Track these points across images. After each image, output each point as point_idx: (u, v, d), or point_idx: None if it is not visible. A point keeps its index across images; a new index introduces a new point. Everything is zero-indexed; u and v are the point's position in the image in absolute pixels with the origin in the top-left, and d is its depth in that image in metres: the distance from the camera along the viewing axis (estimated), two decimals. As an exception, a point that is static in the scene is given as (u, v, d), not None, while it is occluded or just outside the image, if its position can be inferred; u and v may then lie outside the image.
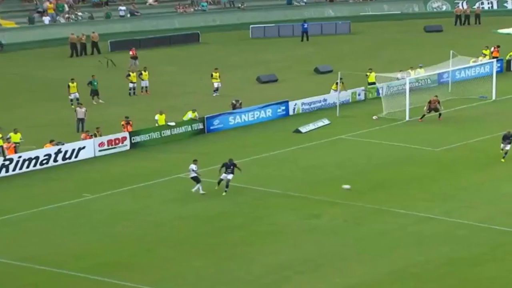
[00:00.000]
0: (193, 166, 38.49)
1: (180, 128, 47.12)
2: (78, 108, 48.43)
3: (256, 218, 35.98)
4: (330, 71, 59.28)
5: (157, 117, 46.98)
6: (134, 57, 61.45)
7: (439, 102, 48.52)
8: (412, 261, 31.54)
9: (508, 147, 41.56)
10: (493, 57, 59.40)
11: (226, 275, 30.70)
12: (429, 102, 48.47)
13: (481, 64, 57.75)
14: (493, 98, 52.25)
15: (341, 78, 51.94)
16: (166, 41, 71.27)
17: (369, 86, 53.89)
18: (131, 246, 33.36)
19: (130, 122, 45.96)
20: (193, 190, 38.42)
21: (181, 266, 31.54)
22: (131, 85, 55.95)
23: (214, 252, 32.64)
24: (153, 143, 45.87)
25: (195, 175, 38.44)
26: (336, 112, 50.47)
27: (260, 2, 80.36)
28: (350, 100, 52.99)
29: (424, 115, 48.27)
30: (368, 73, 54.22)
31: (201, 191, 38.30)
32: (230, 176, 38.21)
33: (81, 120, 47.77)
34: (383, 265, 31.34)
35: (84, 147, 43.95)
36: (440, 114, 48.58)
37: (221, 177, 38.23)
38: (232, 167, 38.26)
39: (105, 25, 73.15)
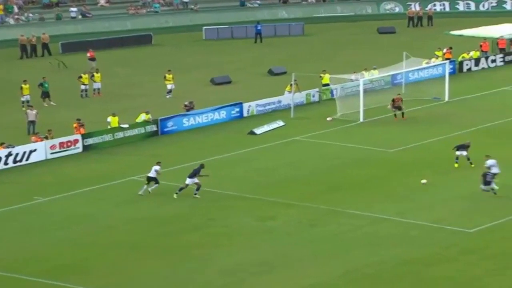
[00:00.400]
0: (156, 167, 38.48)
1: (133, 130, 46.99)
2: (29, 110, 48.07)
3: (210, 220, 36.00)
4: (284, 73, 59.49)
5: (109, 119, 46.80)
6: (92, 59, 61.11)
7: (401, 101, 48.92)
8: (366, 262, 31.76)
9: (465, 153, 41.84)
10: (446, 59, 60.01)
11: (180, 277, 30.70)
12: (393, 100, 48.87)
13: (434, 66, 58.34)
14: (446, 99, 52.82)
15: (295, 80, 52.15)
16: (118, 42, 71.01)
17: (323, 88, 54.19)
18: (84, 249, 33.20)
19: (84, 124, 45.73)
20: (150, 189, 38.34)
21: (135, 268, 31.46)
22: (83, 87, 55.67)
23: (168, 254, 32.60)
24: (106, 146, 45.69)
25: (154, 176, 38.35)
26: (291, 113, 50.67)
27: (213, 3, 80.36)
28: (305, 102, 53.24)
29: (395, 114, 48.58)
30: (322, 75, 54.52)
31: (149, 190, 38.26)
32: (189, 181, 37.87)
33: (32, 123, 47.44)
34: (338, 266, 31.52)
35: (35, 150, 43.65)
36: (403, 113, 49.00)
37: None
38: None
39: (56, 26, 72.75)
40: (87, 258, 32.34)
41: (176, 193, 38.30)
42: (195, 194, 38.29)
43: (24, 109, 50.76)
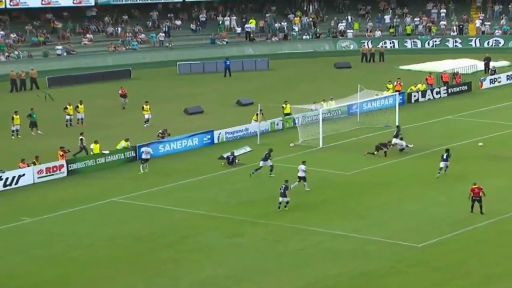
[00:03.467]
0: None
1: (114, 156, 46.51)
2: None
3: (183, 237, 35.54)
4: (251, 103, 59.29)
5: (92, 146, 46.33)
6: (124, 95, 60.17)
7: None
8: (326, 274, 31.48)
9: (442, 164, 42.33)
10: (396, 91, 60.08)
11: (156, 290, 30.21)
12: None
13: (385, 97, 58.39)
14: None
15: (260, 110, 52.00)
16: (100, 77, 70.51)
17: (286, 117, 54.01)
18: (66, 265, 32.65)
19: (67, 151, 45.21)
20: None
21: (112, 283, 30.96)
22: (67, 117, 55.14)
23: (143, 269, 32.11)
24: (88, 170, 45.16)
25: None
26: (257, 140, 50.44)
27: (186, 41, 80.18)
28: (269, 129, 53.04)
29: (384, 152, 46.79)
30: (284, 105, 54.38)
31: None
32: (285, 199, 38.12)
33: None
34: (300, 278, 31.20)
35: (24, 175, 43.04)
36: (385, 152, 46.57)
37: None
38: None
39: (43, 63, 72.18)
40: (68, 274, 31.79)
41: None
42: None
43: (13, 137, 50.02)
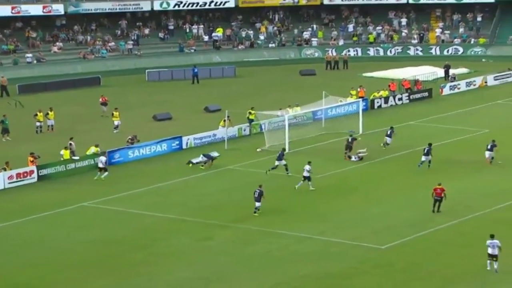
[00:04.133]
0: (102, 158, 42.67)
1: (84, 161, 46.41)
2: None
3: (154, 240, 35.62)
4: (219, 110, 59.41)
5: (62, 152, 46.19)
6: (104, 104, 59.72)
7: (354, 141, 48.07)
8: (293, 276, 31.72)
9: (423, 158, 44.24)
10: (359, 97, 60.55)
11: (127, 292, 30.27)
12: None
13: (350, 103, 58.78)
14: (360, 132, 53.20)
15: (228, 116, 52.13)
16: (70, 84, 70.22)
17: (252, 123, 54.21)
18: (37, 269, 32.57)
19: (38, 157, 45.03)
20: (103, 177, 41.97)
21: (87, 285, 30.96)
22: (38, 124, 54.91)
23: (116, 272, 32.15)
24: (59, 176, 45.04)
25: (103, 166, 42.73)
26: (225, 145, 50.59)
27: (155, 49, 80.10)
28: (237, 135, 53.22)
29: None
30: (250, 111, 54.52)
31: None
32: (258, 204, 38.15)
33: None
34: (268, 280, 31.41)
35: (-6, 180, 42.86)
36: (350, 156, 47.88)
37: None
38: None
39: (14, 70, 71.74)
40: (42, 277, 31.75)
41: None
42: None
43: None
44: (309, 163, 42.15)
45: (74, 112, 60.65)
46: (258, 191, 38.38)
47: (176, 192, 42.47)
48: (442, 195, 37.91)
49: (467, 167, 45.49)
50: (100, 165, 44.51)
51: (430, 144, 45.38)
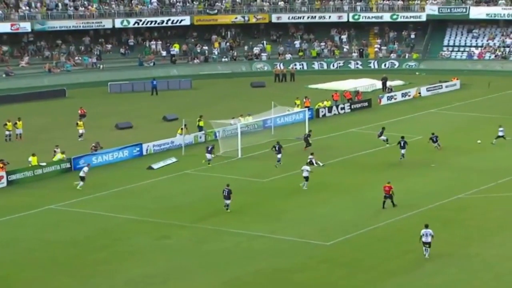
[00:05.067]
0: (85, 169, 41.79)
1: (50, 167, 45.58)
2: None
3: (116, 240, 35.00)
4: (176, 119, 58.87)
5: (30, 158, 45.30)
6: (83, 115, 58.47)
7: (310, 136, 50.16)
8: (245, 271, 31.41)
9: (403, 151, 46.44)
10: (305, 107, 60.51)
11: (91, 289, 29.64)
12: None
13: (296, 112, 58.71)
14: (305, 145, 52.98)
15: (185, 124, 51.72)
16: (37, 96, 69.04)
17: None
18: (5, 268, 31.76)
19: (7, 163, 44.09)
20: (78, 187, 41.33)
21: (50, 284, 30.31)
22: (7, 132, 53.85)
23: (79, 270, 31.49)
24: (27, 181, 44.15)
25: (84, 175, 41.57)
26: (182, 151, 50.11)
27: (117, 64, 79.27)
28: (193, 142, 52.76)
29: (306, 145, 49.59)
30: (199, 119, 54.10)
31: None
32: (228, 201, 38.21)
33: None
34: (222, 276, 31.05)
35: (-35, 185, 41.80)
36: (309, 144, 49.67)
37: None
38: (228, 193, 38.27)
39: (-17, 84, 70.46)
40: (7, 276, 30.98)
41: (278, 163, 45.10)
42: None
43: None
44: (308, 163, 42.75)
45: (41, 122, 59.62)
46: (226, 190, 38.35)
47: (137, 195, 41.88)
48: (390, 192, 38.14)
49: (399, 170, 45.58)
50: (82, 174, 42.78)
51: (403, 137, 47.31)
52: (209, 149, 46.74)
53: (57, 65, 75.93)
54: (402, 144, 46.91)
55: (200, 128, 53.76)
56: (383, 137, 50.84)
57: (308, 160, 44.75)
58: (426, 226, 32.54)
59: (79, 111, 58.68)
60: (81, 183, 42.57)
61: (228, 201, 38.25)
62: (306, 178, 42.03)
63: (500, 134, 51.58)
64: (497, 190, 41.58)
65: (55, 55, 77.16)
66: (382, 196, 38.63)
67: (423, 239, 32.38)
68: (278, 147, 46.80)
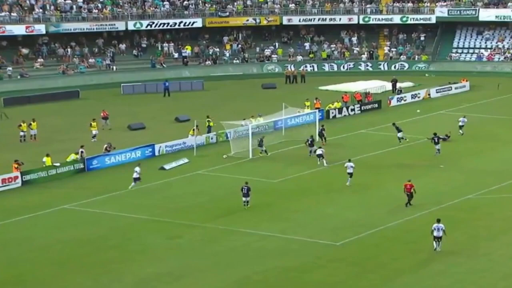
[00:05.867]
0: (137, 169, 41.45)
1: (64, 167, 45.80)
2: None
3: (127, 239, 35.15)
4: (188, 120, 59.07)
5: (44, 159, 45.54)
6: (105, 118, 58.60)
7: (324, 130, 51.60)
8: (255, 270, 31.48)
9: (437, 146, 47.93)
10: (316, 108, 60.53)
11: (101, 287, 29.74)
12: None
13: (307, 114, 58.68)
14: (317, 140, 53.10)
15: (197, 125, 51.86)
16: (51, 97, 69.40)
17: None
18: (20, 267, 31.97)
19: (21, 164, 44.36)
20: (130, 187, 41.17)
21: (63, 282, 30.45)
22: (21, 133, 54.12)
23: (91, 269, 31.65)
24: (41, 181, 44.38)
25: (138, 176, 41.39)
26: (194, 152, 50.25)
27: (129, 65, 79.55)
28: (205, 143, 52.90)
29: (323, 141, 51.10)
30: (209, 119, 54.27)
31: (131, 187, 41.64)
32: (247, 198, 38.83)
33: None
34: (233, 274, 31.14)
35: (-19, 185, 42.13)
36: (325, 139, 51.37)
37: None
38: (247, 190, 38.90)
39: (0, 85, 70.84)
40: (23, 274, 31.18)
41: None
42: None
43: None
44: (349, 160, 43.23)
45: (55, 123, 59.92)
46: (246, 187, 38.90)
47: (149, 195, 42.02)
48: (412, 190, 38.32)
49: (413, 171, 45.52)
50: (135, 175, 42.22)
51: (435, 134, 48.67)
52: (260, 142, 48.61)
53: (69, 67, 76.19)
54: (436, 140, 48.33)
55: (210, 128, 53.85)
56: (399, 134, 51.47)
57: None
58: (438, 221, 32.85)
59: (102, 114, 58.48)
60: (133, 184, 42.07)
61: (247, 198, 38.79)
62: (350, 175, 42.38)
63: (461, 124, 53.94)
64: (506, 190, 41.49)
65: (68, 57, 77.46)
66: (398, 195, 38.41)
67: (434, 233, 32.71)
68: (311, 141, 48.46)
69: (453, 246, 33.38)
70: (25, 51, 76.16)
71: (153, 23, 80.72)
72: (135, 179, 42.26)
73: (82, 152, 47.11)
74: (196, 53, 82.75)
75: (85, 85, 73.59)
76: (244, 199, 38.90)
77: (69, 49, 78.29)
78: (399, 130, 51.88)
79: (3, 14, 74.98)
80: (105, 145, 48.97)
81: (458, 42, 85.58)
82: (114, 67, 77.99)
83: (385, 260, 32.46)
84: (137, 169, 42.51)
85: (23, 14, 76.32)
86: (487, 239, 34.71)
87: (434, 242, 32.72)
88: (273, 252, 33.47)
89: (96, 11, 79.23)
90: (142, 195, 41.84)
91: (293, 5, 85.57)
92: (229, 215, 38.28)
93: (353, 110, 63.43)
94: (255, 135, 51.09)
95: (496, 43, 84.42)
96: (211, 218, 37.81)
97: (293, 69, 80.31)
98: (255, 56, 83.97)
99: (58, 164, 45.65)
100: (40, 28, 75.81)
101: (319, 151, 46.19)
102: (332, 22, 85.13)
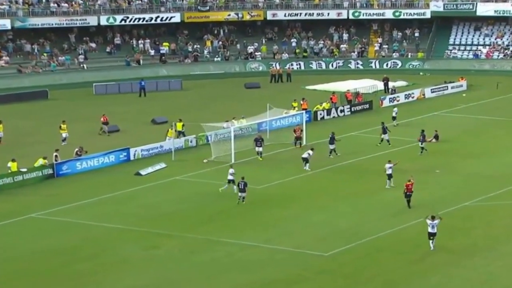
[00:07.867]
0: (231, 170, 42.54)
1: (32, 173, 45.80)
2: None
3: (101, 250, 35.25)
4: (165, 122, 59.20)
5: (9, 164, 45.51)
6: (105, 123, 58.37)
7: (301, 131, 51.60)
8: (239, 283, 31.66)
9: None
10: (303, 109, 60.80)
11: (75, 302, 29.88)
12: (294, 130, 51.92)
13: (293, 115, 58.92)
14: (304, 143, 53.45)
15: (174, 123, 51.89)
16: (18, 97, 69.30)
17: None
18: (-13, 279, 31.97)
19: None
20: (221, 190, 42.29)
21: (34, 295, 30.49)
22: (-14, 136, 54.09)
23: (64, 281, 31.72)
24: (6, 188, 44.34)
25: (232, 178, 42.20)
26: (172, 156, 50.40)
27: (102, 63, 79.55)
28: (184, 146, 53.05)
29: (296, 143, 51.97)
30: (178, 123, 54.21)
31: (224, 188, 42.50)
32: (244, 194, 40.62)
33: None
34: (214, 287, 31.25)
35: None
36: (301, 144, 51.78)
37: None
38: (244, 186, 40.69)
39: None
40: (-10, 287, 31.15)
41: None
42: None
43: None
44: (389, 161, 43.75)
45: (21, 125, 59.85)
46: (242, 182, 40.33)
47: (124, 202, 42.14)
48: (412, 189, 39.61)
49: (407, 175, 45.81)
50: (230, 177, 42.58)
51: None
52: (258, 142, 49.20)
53: (36, 65, 76.06)
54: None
55: (180, 132, 53.85)
56: (385, 136, 52.36)
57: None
58: (433, 218, 34.21)
59: (102, 119, 58.20)
60: (227, 185, 42.50)
61: (243, 194, 40.10)
62: (389, 176, 43.06)
63: (394, 114, 57.73)
64: (505, 197, 41.95)
65: (36, 55, 77.31)
66: (391, 202, 38.75)
67: (429, 229, 34.02)
68: (332, 137, 49.70)
69: (449, 257, 33.74)
70: (-12, 47, 76.11)
71: (128, 18, 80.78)
72: (230, 181, 42.40)
73: (56, 156, 47.11)
74: (174, 50, 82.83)
75: (54, 84, 73.54)
76: (240, 194, 40.30)
77: (36, 46, 78.16)
78: (385, 132, 52.46)
79: (-36, 7, 74.91)
80: (76, 149, 49.02)
81: (455, 39, 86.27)
82: (85, 66, 77.94)
83: (378, 271, 32.75)
84: (231, 170, 42.86)
85: (-14, 7, 76.20)
86: (485, 249, 35.10)
87: (430, 242, 33.95)
88: (257, 263, 33.68)
89: (66, 5, 79.17)
90: (116, 203, 41.96)
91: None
92: (210, 223, 38.48)
93: (342, 111, 63.71)
94: (237, 138, 51.28)
95: (495, 39, 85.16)
96: (190, 227, 37.99)
97: (278, 67, 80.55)
98: (238, 53, 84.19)
99: (25, 170, 45.64)
100: (5, 23, 75.68)
101: (305, 154, 46.71)
102: (320, 17, 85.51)
